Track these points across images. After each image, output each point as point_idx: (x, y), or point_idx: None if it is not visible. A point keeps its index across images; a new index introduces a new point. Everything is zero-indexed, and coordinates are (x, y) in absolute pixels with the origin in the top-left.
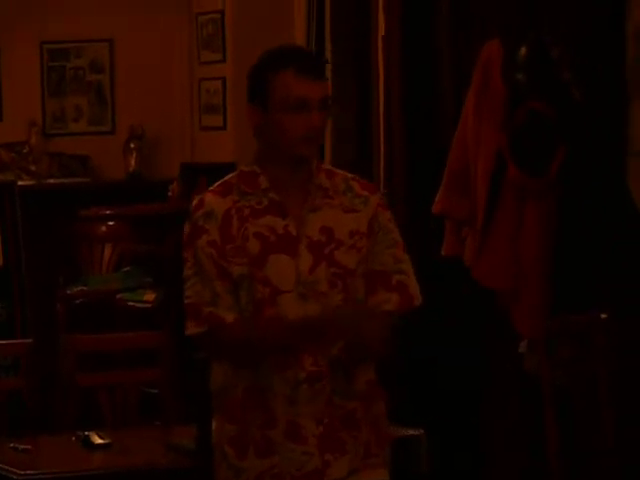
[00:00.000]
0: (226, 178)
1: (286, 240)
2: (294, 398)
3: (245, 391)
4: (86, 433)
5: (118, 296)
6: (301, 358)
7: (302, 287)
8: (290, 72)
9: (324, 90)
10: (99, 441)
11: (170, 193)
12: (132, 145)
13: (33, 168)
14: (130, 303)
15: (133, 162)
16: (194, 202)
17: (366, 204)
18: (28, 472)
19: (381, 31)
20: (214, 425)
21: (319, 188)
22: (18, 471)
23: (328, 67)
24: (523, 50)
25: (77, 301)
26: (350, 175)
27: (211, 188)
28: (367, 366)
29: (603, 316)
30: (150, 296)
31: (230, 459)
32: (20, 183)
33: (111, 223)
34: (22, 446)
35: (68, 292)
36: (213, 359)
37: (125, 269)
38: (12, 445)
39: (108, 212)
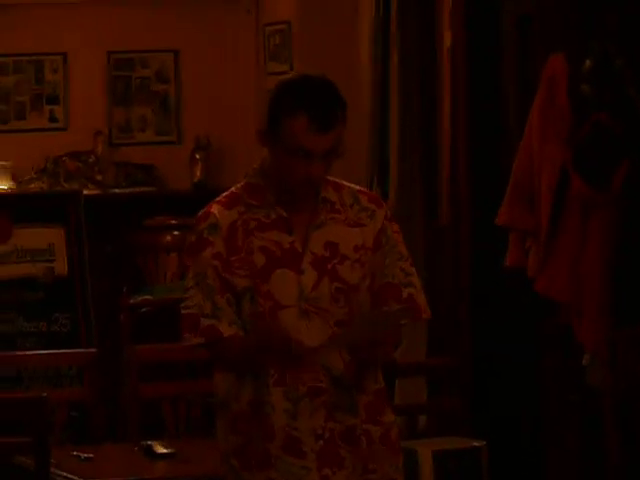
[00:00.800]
0: (232, 189)
1: (291, 255)
2: (294, 412)
3: (248, 404)
4: (149, 442)
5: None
6: (302, 373)
7: (304, 302)
8: (302, 122)
9: (332, 141)
10: (162, 450)
11: None
12: (198, 155)
13: (99, 177)
14: None
15: (198, 172)
16: (200, 212)
17: (373, 217)
18: None
19: (447, 43)
20: (218, 434)
21: (325, 202)
22: (80, 479)
23: (393, 79)
24: (588, 62)
25: (141, 310)
26: (357, 187)
27: (217, 199)
28: (375, 375)
29: None
30: None
31: (236, 470)
32: (86, 192)
33: (176, 233)
34: (85, 454)
35: (132, 301)
36: (215, 369)
37: None
38: (75, 453)
39: (173, 222)
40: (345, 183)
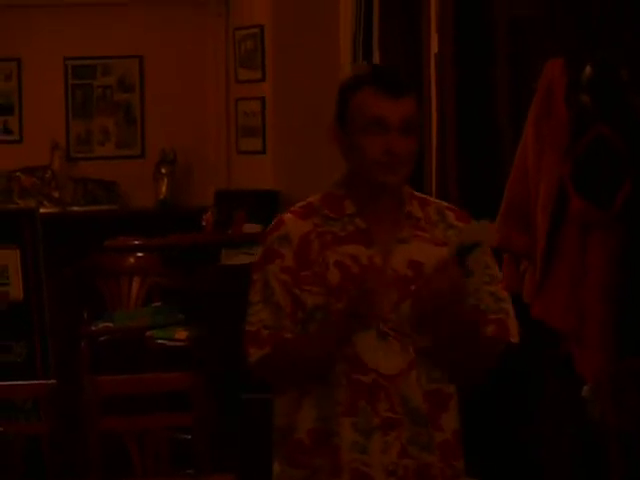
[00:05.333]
0: (309, 199)
1: (370, 271)
2: (364, 446)
3: (310, 433)
4: None
5: (147, 334)
6: (376, 403)
7: (383, 325)
8: (368, 90)
9: (406, 110)
10: None
11: (204, 222)
12: (163, 170)
13: (56, 194)
14: (160, 341)
15: (164, 189)
16: (273, 222)
17: None
18: None
19: (434, 49)
20: (275, 469)
21: (410, 217)
22: None
23: None
24: (588, 70)
25: (102, 338)
26: (445, 204)
27: (292, 208)
28: (453, 415)
29: None
30: (182, 334)
31: None
32: (42, 210)
33: (140, 254)
34: None
35: (93, 328)
36: (277, 392)
37: (155, 304)
38: None
39: (136, 242)
40: (432, 199)
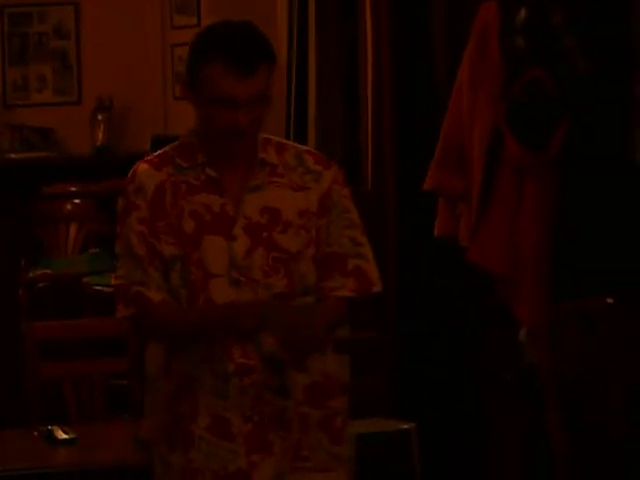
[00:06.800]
0: (166, 148)
1: (222, 220)
2: (223, 391)
3: (178, 380)
4: (49, 428)
5: (84, 280)
6: (230, 349)
7: (235, 272)
8: (218, 66)
9: (256, 86)
10: (63, 436)
11: None
12: (100, 117)
13: None
14: (97, 287)
15: (101, 135)
16: (129, 174)
17: (318, 180)
18: None
19: None
20: (146, 413)
21: (264, 164)
22: None
23: (311, 29)
24: (522, 13)
25: (40, 285)
26: (304, 148)
27: (148, 157)
28: (324, 357)
29: (609, 301)
30: None
31: (162, 452)
32: None
33: (77, 201)
34: None
35: (30, 275)
36: (146, 343)
37: (92, 251)
38: None
39: (74, 189)
40: (290, 143)
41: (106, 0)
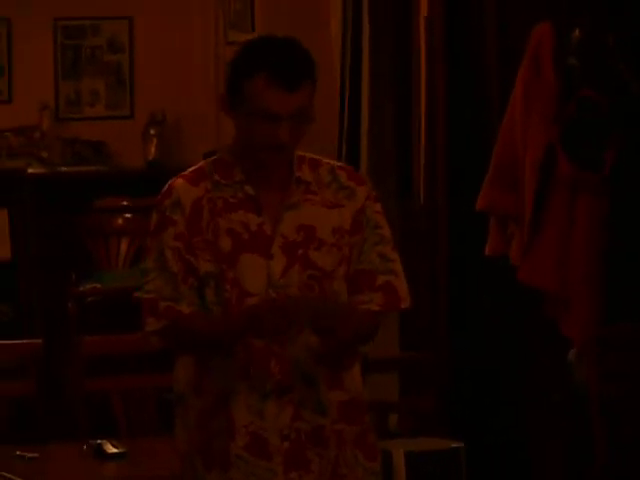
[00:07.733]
0: (201, 163)
1: (260, 239)
2: (260, 410)
3: (207, 397)
4: (98, 442)
5: (134, 294)
6: (268, 365)
7: (272, 291)
8: (262, 79)
9: (299, 101)
10: (112, 450)
11: None
12: (152, 131)
13: (45, 155)
14: None
15: (153, 149)
16: (164, 188)
17: (352, 197)
18: None
19: (423, 12)
20: (177, 433)
21: (299, 182)
22: None
23: (365, 47)
24: (576, 33)
25: (90, 299)
26: (337, 164)
27: (183, 173)
28: (356, 374)
29: None
30: None
31: (198, 470)
32: (30, 171)
33: (128, 215)
34: (29, 454)
35: (81, 289)
36: (177, 358)
37: (142, 265)
38: (18, 453)
39: (125, 203)
40: (324, 160)
41: (160, 14)
